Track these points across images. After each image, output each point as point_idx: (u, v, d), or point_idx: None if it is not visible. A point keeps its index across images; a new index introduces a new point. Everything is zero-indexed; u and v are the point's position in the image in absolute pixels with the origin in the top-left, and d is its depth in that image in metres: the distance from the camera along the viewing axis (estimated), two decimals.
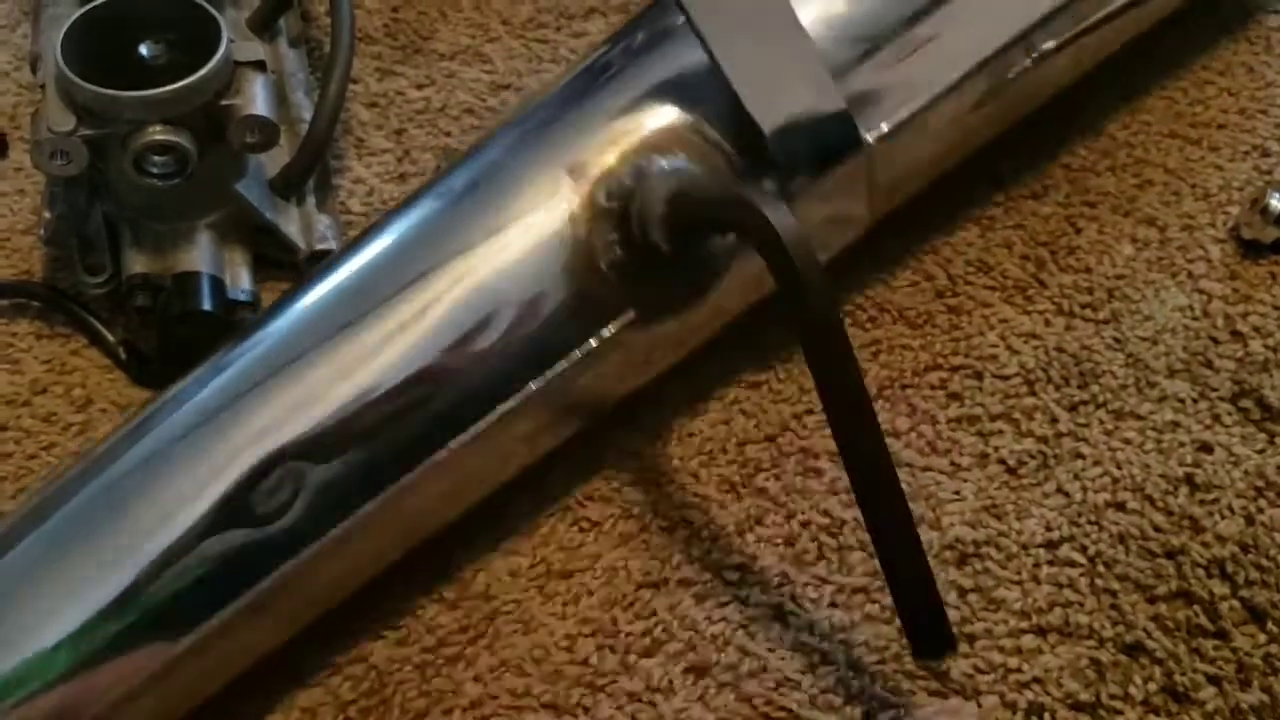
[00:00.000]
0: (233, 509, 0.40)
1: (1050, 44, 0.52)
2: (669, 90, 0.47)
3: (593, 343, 0.45)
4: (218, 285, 0.52)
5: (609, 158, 0.46)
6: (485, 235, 0.45)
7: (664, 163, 0.45)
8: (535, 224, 0.45)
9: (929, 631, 0.41)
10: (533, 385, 0.44)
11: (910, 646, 0.41)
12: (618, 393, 0.48)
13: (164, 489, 0.41)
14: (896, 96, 0.49)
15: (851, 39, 0.48)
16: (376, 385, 0.42)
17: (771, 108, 0.46)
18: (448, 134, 0.61)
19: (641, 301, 0.46)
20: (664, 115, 0.47)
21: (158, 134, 0.49)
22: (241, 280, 0.53)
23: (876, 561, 0.45)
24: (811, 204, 0.47)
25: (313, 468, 0.41)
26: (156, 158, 0.49)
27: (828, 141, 0.47)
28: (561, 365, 0.44)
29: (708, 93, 0.46)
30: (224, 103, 0.50)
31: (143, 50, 0.52)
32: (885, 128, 0.48)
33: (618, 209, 0.44)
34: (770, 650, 0.44)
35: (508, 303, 0.44)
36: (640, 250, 0.44)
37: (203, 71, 0.48)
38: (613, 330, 0.45)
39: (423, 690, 0.43)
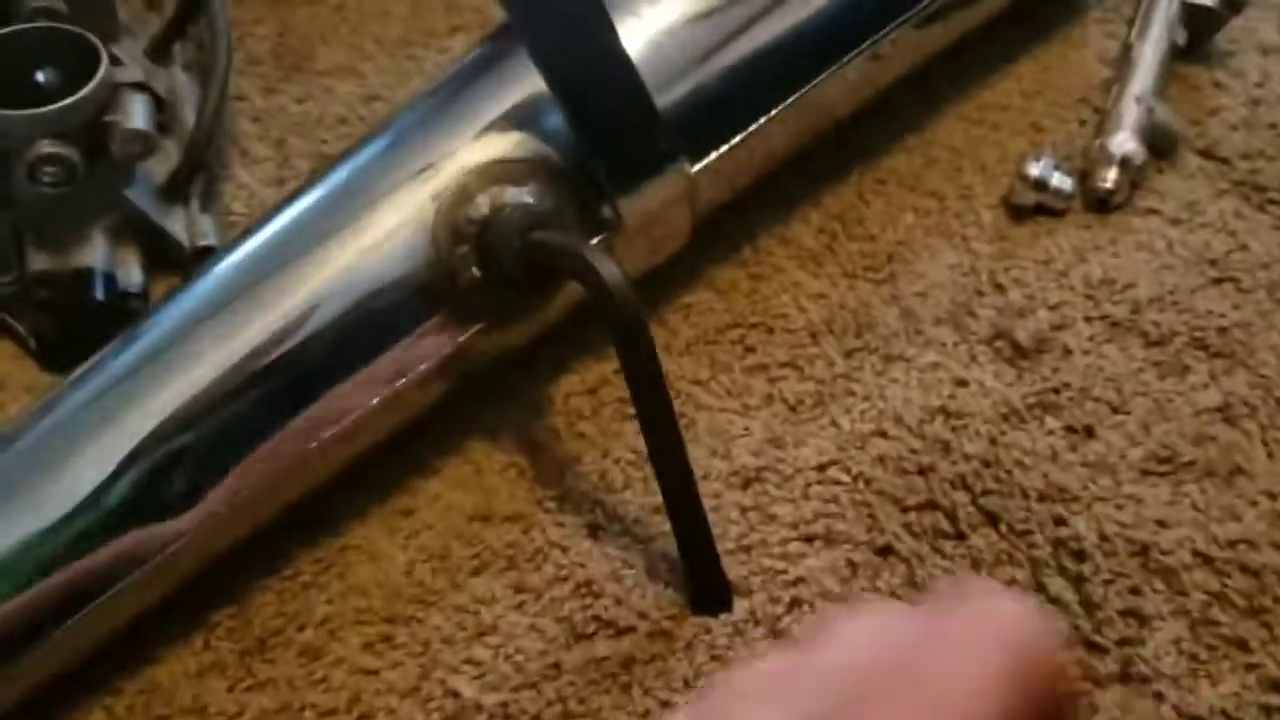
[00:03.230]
0: (134, 501, 0.47)
1: (873, 64, 0.59)
2: (519, 115, 0.53)
3: (445, 352, 0.52)
4: (110, 279, 0.59)
5: (468, 181, 0.52)
6: (349, 242, 0.51)
7: (516, 198, 0.51)
8: (397, 240, 0.51)
9: (709, 594, 0.49)
10: (386, 391, 0.51)
11: (690, 602, 0.49)
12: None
13: (67, 463, 0.48)
14: (719, 125, 0.55)
15: (673, 67, 0.54)
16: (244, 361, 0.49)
17: (598, 127, 0.52)
18: (324, 141, 0.69)
19: (492, 314, 0.52)
20: (515, 142, 0.53)
21: (45, 148, 0.56)
22: (132, 274, 0.60)
23: None
24: (637, 222, 0.54)
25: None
26: (47, 168, 0.57)
27: (649, 161, 0.53)
28: (413, 374, 0.51)
29: (551, 118, 0.53)
30: (106, 119, 0.57)
31: (39, 77, 0.60)
32: (710, 158, 0.55)
33: (474, 234, 0.51)
34: (580, 565, 0.51)
35: (368, 307, 0.50)
36: (496, 275, 0.51)
37: (82, 92, 0.56)
38: (462, 338, 0.52)
39: (279, 611, 0.50)
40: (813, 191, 0.64)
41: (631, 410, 0.56)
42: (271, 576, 0.52)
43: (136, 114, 0.58)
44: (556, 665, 0.49)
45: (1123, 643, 0.48)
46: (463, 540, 0.52)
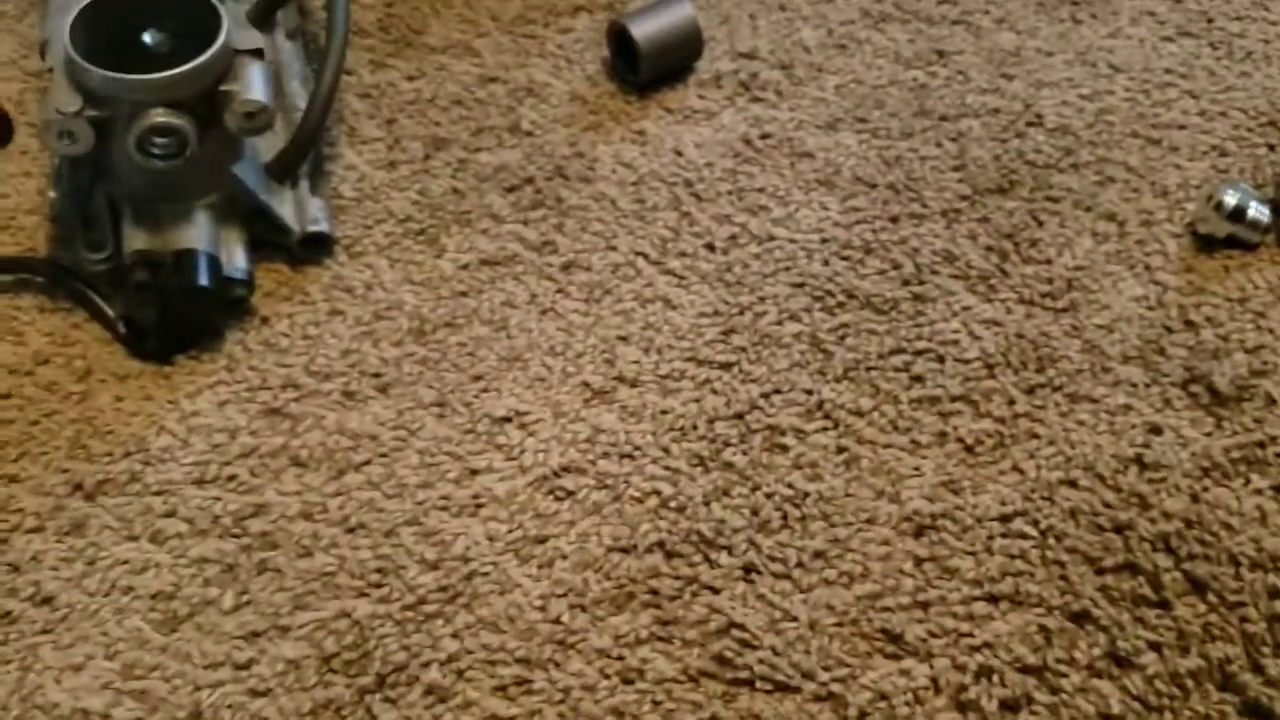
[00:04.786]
0: None
1: None
2: None
3: None
4: (214, 263, 0.54)
5: None
6: None
7: None
8: None
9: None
10: None
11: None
12: None
13: None
14: None
15: None
16: None
17: None
18: (436, 124, 0.63)
19: None
20: None
21: (159, 116, 0.51)
22: (237, 259, 0.55)
23: (836, 530, 0.48)
24: None
25: None
26: (158, 139, 0.52)
27: None
28: None
29: None
30: (223, 88, 0.52)
31: (146, 38, 0.54)
32: None
33: None
34: (734, 608, 0.46)
35: None
36: None
37: (204, 57, 0.51)
38: None
39: (402, 644, 0.45)
40: (978, 203, 0.58)
41: (784, 440, 0.51)
42: (394, 603, 0.46)
43: (255, 84, 0.53)
44: None
45: None
46: (601, 573, 0.47)
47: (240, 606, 0.46)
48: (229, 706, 0.44)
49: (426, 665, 0.45)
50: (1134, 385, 0.52)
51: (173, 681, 0.45)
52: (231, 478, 0.50)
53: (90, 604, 0.47)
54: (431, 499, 0.49)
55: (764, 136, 0.63)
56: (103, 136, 0.52)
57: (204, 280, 0.53)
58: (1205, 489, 0.48)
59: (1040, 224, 0.58)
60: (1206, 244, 0.57)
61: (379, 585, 0.47)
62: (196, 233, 0.54)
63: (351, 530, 0.48)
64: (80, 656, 0.45)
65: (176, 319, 0.54)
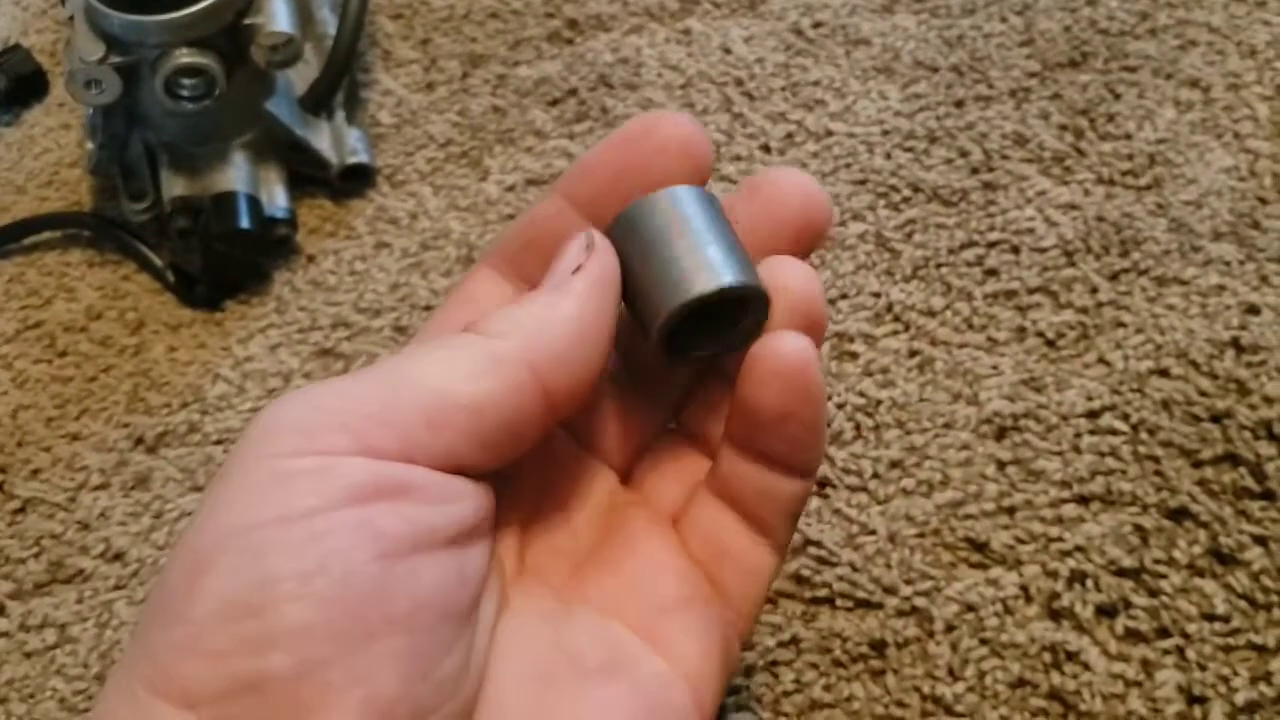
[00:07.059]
0: None
1: None
2: None
3: None
4: (254, 204, 0.52)
5: None
6: None
7: None
8: None
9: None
10: None
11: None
12: None
13: None
14: None
15: None
16: None
17: None
18: (473, 39, 0.61)
19: None
20: None
21: (184, 57, 0.49)
22: (278, 197, 0.54)
23: (913, 438, 0.45)
24: None
25: None
26: (186, 81, 0.50)
27: None
28: None
29: None
30: (246, 22, 0.50)
31: None
32: None
33: None
34: (808, 525, 0.44)
35: None
36: None
37: None
38: None
39: None
40: (1049, 80, 0.55)
41: (852, 347, 0.49)
42: None
43: (279, 14, 0.51)
44: (794, 641, 0.42)
45: None
46: None
47: None
48: None
49: None
50: (1227, 263, 0.48)
51: None
52: None
53: (160, 557, 0.46)
54: None
55: (816, 25, 0.59)
56: (131, 83, 0.51)
57: (245, 223, 0.52)
58: None
59: (1117, 97, 0.54)
60: None
61: None
62: (234, 174, 0.53)
63: None
64: None
65: (222, 264, 0.53)
